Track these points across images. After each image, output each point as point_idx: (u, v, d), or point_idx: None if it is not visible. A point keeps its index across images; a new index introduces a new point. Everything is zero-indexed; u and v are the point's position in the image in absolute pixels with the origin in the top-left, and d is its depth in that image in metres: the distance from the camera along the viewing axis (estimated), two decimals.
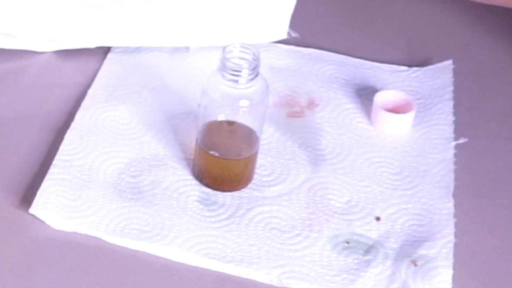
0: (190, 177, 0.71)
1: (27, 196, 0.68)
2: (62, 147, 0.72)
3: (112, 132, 0.74)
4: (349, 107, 0.80)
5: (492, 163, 0.76)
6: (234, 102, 0.67)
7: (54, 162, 0.71)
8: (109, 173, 0.70)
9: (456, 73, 0.85)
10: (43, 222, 0.66)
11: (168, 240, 0.65)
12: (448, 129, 0.78)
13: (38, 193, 0.67)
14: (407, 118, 0.78)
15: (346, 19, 0.94)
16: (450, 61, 0.86)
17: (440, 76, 0.85)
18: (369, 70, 0.85)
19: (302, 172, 0.72)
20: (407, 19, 0.95)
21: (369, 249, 0.66)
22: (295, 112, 0.79)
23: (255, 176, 0.71)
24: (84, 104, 0.77)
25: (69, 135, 0.73)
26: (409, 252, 0.66)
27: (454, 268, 0.65)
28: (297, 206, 0.69)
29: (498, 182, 0.74)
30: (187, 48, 0.85)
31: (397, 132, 0.77)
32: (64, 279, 0.62)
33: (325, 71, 0.84)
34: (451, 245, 0.67)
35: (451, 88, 0.83)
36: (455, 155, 0.76)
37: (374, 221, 0.69)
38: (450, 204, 0.71)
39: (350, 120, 0.79)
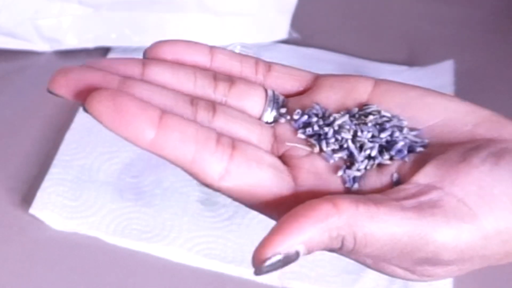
0: (191, 177, 0.71)
1: (27, 196, 0.68)
2: (62, 147, 0.72)
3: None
4: None
5: None
6: None
7: (54, 162, 0.70)
8: (109, 173, 0.70)
9: (456, 73, 0.85)
10: (43, 222, 0.66)
11: (169, 241, 0.65)
12: None
13: (38, 193, 0.67)
14: None
15: (347, 19, 0.94)
16: (451, 61, 0.86)
17: (440, 76, 0.85)
18: (369, 70, 0.85)
19: None
20: (407, 19, 0.95)
21: None
22: None
23: None
24: None
25: (69, 135, 0.73)
26: None
27: None
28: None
29: None
30: None
31: None
32: (64, 279, 0.62)
33: (326, 71, 0.84)
34: None
35: (452, 88, 0.83)
36: None
37: None
38: None
39: None
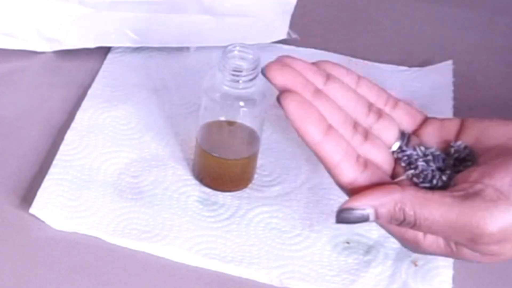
0: (190, 177, 0.71)
1: (27, 196, 0.68)
2: (62, 147, 0.72)
3: (112, 132, 0.74)
4: None
5: None
6: (234, 102, 0.67)
7: (54, 162, 0.71)
8: (109, 173, 0.70)
9: (456, 73, 0.85)
10: (43, 222, 0.66)
11: (168, 240, 0.65)
12: None
13: (38, 193, 0.67)
14: None
15: (346, 19, 0.94)
16: (450, 61, 0.86)
17: (440, 76, 0.85)
18: (368, 71, 0.85)
19: (302, 172, 0.72)
20: (407, 19, 0.95)
21: (369, 249, 0.66)
22: None
23: (255, 176, 0.71)
24: (84, 104, 0.77)
25: (69, 135, 0.73)
26: (410, 252, 0.66)
27: (455, 268, 0.65)
28: (297, 206, 0.69)
29: None
30: (187, 48, 0.85)
31: None
32: (64, 279, 0.62)
33: None
34: None
35: (451, 88, 0.83)
36: None
37: None
38: None
39: None
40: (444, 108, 0.81)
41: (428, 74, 0.85)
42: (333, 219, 0.68)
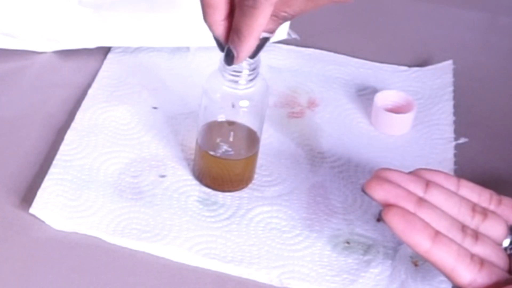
0: (190, 177, 0.71)
1: (27, 196, 0.68)
2: (62, 147, 0.72)
3: (113, 132, 0.74)
4: (349, 107, 0.80)
5: (492, 163, 0.76)
6: (234, 102, 0.67)
7: (54, 162, 0.71)
8: (109, 173, 0.70)
9: (456, 73, 0.85)
10: (43, 222, 0.66)
11: (168, 240, 0.65)
12: (448, 129, 0.78)
13: (38, 193, 0.67)
14: (407, 118, 0.78)
15: (346, 19, 0.94)
16: (450, 61, 0.86)
17: (440, 76, 0.85)
18: (369, 70, 0.85)
19: (302, 172, 0.72)
20: (407, 19, 0.95)
21: (369, 249, 0.66)
22: (295, 112, 0.79)
23: (255, 176, 0.71)
24: (84, 104, 0.77)
25: (69, 135, 0.73)
26: (410, 252, 0.66)
27: None
28: (297, 206, 0.69)
29: (498, 182, 0.74)
30: (187, 48, 0.85)
31: (397, 132, 0.78)
32: (64, 279, 0.62)
33: (325, 71, 0.85)
34: None
35: (451, 88, 0.83)
36: (455, 155, 0.76)
37: (375, 221, 0.69)
38: None
39: (350, 120, 0.79)
40: (444, 108, 0.81)
41: (428, 74, 0.85)
42: (333, 219, 0.69)
